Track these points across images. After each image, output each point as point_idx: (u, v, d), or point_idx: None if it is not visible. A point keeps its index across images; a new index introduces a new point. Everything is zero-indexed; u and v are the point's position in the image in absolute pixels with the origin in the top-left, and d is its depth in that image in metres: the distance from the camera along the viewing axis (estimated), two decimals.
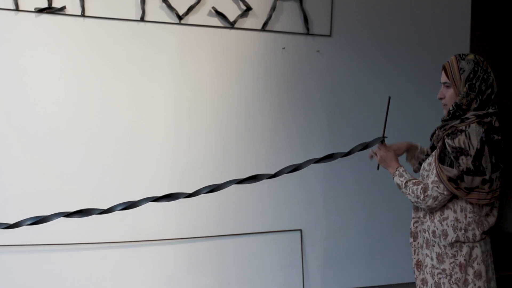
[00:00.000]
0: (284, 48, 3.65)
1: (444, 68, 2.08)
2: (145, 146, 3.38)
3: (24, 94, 3.15)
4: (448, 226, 2.02)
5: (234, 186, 3.52)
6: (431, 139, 2.17)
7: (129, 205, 1.89)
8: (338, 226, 3.83)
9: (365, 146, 2.16)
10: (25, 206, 3.14)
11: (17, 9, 3.10)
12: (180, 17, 3.40)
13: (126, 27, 3.31)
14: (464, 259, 2.01)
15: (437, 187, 1.98)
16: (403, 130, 3.73)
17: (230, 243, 3.58)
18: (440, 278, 2.04)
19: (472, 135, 1.93)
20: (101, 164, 3.29)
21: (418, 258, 2.17)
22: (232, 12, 3.51)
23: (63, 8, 3.18)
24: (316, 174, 3.72)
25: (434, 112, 3.29)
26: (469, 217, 2.00)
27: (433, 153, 2.10)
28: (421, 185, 2.05)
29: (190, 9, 3.41)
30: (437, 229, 2.05)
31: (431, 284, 2.07)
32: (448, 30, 4.06)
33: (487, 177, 1.96)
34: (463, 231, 2.00)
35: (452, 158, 1.94)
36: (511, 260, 4.44)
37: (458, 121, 2.00)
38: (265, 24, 3.58)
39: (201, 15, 3.46)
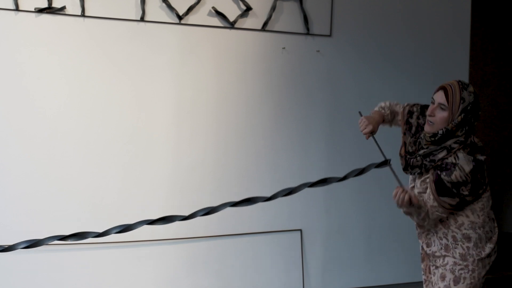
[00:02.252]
0: (284, 48, 3.65)
1: (445, 91, 2.09)
2: (145, 146, 3.38)
3: (24, 94, 3.15)
4: (467, 230, 2.15)
5: (234, 185, 3.56)
6: (406, 166, 2.23)
7: (124, 228, 1.89)
8: (338, 226, 3.83)
9: (360, 172, 2.18)
10: (26, 207, 3.15)
11: (17, 9, 3.10)
12: (180, 17, 3.40)
13: (126, 27, 3.32)
14: (485, 257, 2.17)
15: (437, 210, 2.12)
16: None
17: (230, 243, 3.58)
18: (461, 274, 2.15)
19: (465, 166, 2.04)
20: (101, 164, 3.29)
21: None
22: (232, 12, 3.51)
23: (63, 8, 3.18)
24: (316, 174, 3.71)
25: None
26: (481, 215, 2.14)
27: (424, 179, 2.18)
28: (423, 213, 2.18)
29: (190, 9, 3.41)
30: (456, 234, 2.17)
31: (450, 279, 2.17)
32: (448, 30, 4.06)
33: (486, 188, 2.15)
34: (482, 228, 2.15)
35: (454, 191, 2.05)
36: (511, 260, 4.44)
37: (444, 153, 2.08)
38: (265, 24, 3.58)
39: (201, 15, 3.46)
